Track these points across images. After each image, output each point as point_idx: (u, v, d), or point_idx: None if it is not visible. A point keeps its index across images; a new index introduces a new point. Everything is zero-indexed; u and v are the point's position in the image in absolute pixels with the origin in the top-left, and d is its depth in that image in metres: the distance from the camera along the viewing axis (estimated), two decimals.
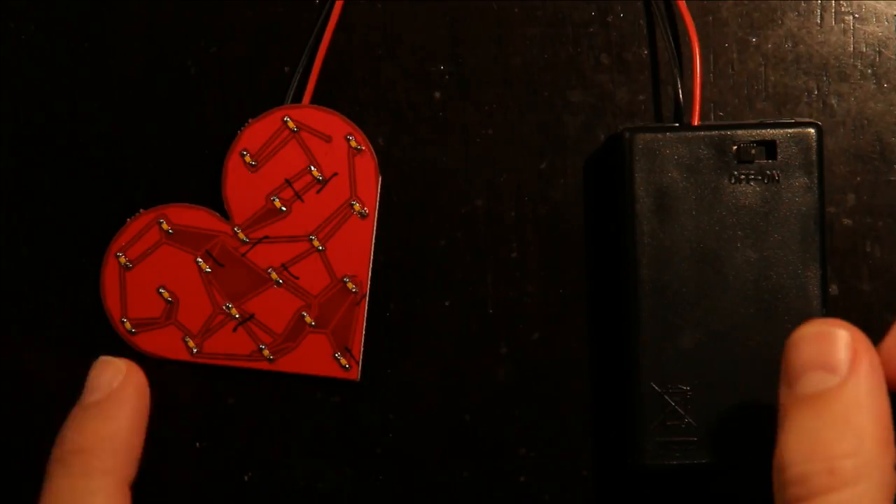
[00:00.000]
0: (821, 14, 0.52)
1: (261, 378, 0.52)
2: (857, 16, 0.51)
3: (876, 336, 0.51)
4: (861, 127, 0.51)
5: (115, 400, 0.49)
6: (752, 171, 0.49)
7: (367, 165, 0.51)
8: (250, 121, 0.51)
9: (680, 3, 0.51)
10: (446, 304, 0.52)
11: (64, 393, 0.52)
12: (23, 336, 0.52)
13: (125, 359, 0.50)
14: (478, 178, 0.52)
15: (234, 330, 0.51)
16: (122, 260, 0.51)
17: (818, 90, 0.51)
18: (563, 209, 0.52)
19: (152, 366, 0.51)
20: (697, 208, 0.49)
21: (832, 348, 0.42)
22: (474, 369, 0.52)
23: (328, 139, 0.51)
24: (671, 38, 0.51)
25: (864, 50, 0.51)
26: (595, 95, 0.51)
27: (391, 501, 0.52)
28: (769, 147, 0.49)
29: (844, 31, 0.51)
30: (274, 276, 0.51)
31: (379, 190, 0.51)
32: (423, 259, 0.52)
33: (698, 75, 0.50)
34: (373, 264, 0.51)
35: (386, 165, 0.51)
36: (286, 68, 0.52)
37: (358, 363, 0.51)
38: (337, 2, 0.51)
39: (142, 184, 0.52)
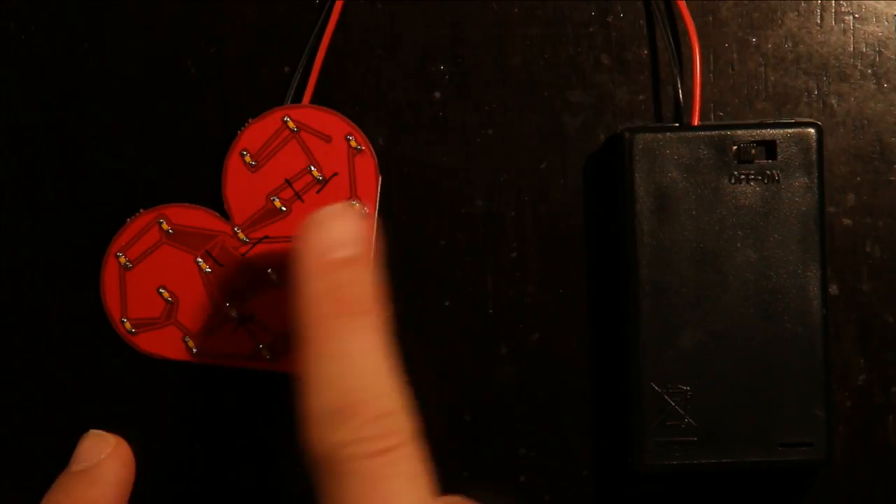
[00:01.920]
0: (821, 14, 0.52)
1: (261, 378, 0.52)
2: (857, 16, 0.51)
3: (877, 336, 0.52)
4: (861, 127, 0.51)
5: (103, 469, 0.50)
6: (752, 171, 0.49)
7: (367, 165, 0.51)
8: (250, 121, 0.51)
9: (680, 3, 0.51)
10: (446, 304, 0.52)
11: (64, 393, 0.52)
12: (23, 336, 0.52)
13: (114, 434, 0.51)
14: (478, 178, 0.52)
15: (234, 330, 0.51)
16: (122, 260, 0.51)
17: (818, 90, 0.51)
18: (563, 209, 0.52)
19: (152, 366, 0.51)
20: (697, 208, 0.49)
21: None
22: (474, 369, 0.52)
23: (328, 139, 0.51)
24: (671, 38, 0.51)
25: (864, 50, 0.51)
26: (595, 95, 0.51)
27: None
28: (769, 147, 0.49)
29: (844, 31, 0.51)
30: (274, 276, 0.51)
31: (379, 190, 0.51)
32: (423, 259, 0.52)
33: (698, 75, 0.50)
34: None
35: (386, 165, 0.51)
36: (286, 68, 0.52)
37: None
38: (337, 2, 0.51)
39: (142, 184, 0.52)
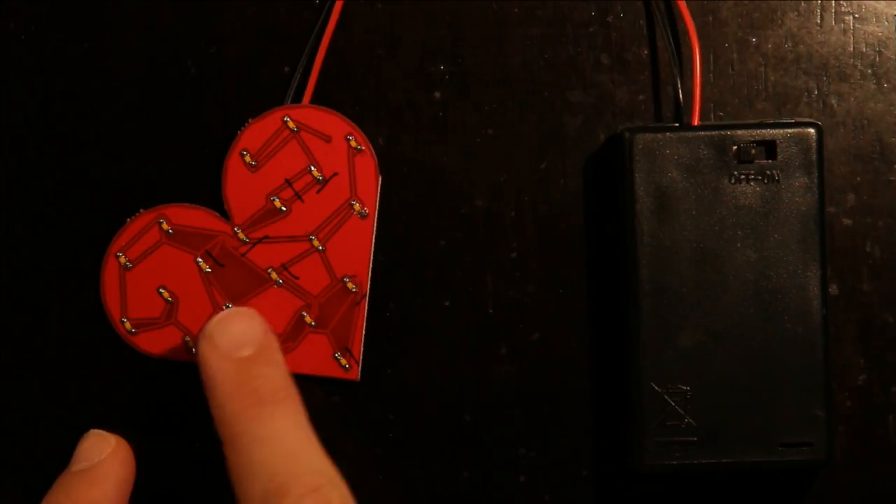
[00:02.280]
0: (821, 14, 0.52)
1: None
2: (857, 16, 0.51)
3: (877, 336, 0.52)
4: (861, 127, 0.51)
5: (103, 469, 0.50)
6: (752, 171, 0.49)
7: (367, 165, 0.51)
8: (250, 121, 0.51)
9: (680, 3, 0.51)
10: (446, 304, 0.52)
11: (64, 393, 0.52)
12: (23, 336, 0.52)
13: (114, 434, 0.51)
14: (478, 178, 0.52)
15: None
16: (122, 260, 0.51)
17: (818, 90, 0.51)
18: (563, 209, 0.52)
19: (152, 366, 0.51)
20: (697, 208, 0.49)
21: None
22: (474, 369, 0.52)
23: (328, 139, 0.51)
24: (671, 38, 0.51)
25: (864, 50, 0.51)
26: (595, 95, 0.51)
27: (391, 501, 0.52)
28: (769, 147, 0.49)
29: (844, 31, 0.51)
30: (274, 276, 0.51)
31: (379, 190, 0.51)
32: (423, 259, 0.52)
33: (698, 75, 0.50)
34: (373, 264, 0.51)
35: (386, 165, 0.51)
36: (286, 68, 0.52)
37: (358, 363, 0.51)
38: (337, 2, 0.51)
39: (142, 184, 0.52)
